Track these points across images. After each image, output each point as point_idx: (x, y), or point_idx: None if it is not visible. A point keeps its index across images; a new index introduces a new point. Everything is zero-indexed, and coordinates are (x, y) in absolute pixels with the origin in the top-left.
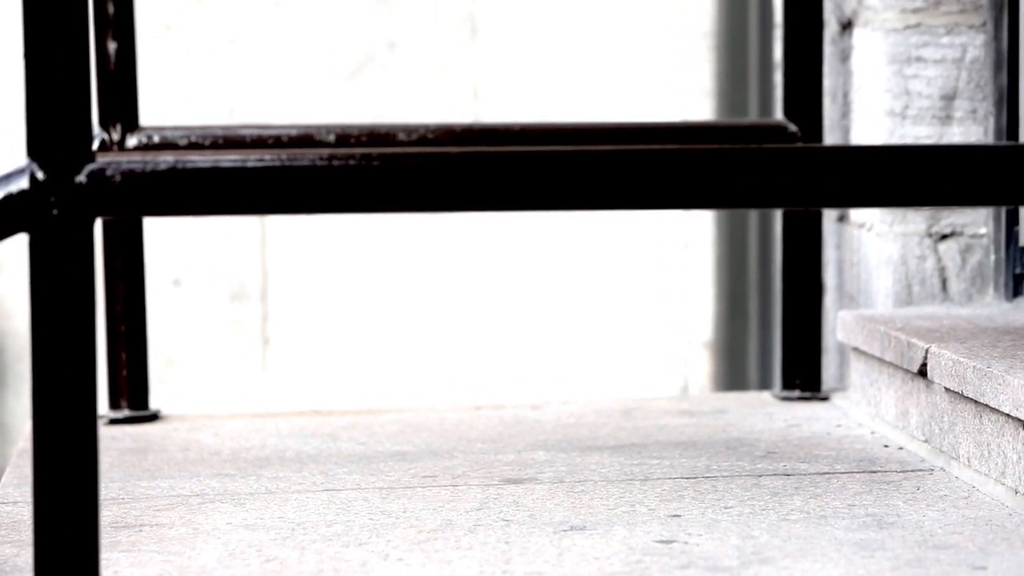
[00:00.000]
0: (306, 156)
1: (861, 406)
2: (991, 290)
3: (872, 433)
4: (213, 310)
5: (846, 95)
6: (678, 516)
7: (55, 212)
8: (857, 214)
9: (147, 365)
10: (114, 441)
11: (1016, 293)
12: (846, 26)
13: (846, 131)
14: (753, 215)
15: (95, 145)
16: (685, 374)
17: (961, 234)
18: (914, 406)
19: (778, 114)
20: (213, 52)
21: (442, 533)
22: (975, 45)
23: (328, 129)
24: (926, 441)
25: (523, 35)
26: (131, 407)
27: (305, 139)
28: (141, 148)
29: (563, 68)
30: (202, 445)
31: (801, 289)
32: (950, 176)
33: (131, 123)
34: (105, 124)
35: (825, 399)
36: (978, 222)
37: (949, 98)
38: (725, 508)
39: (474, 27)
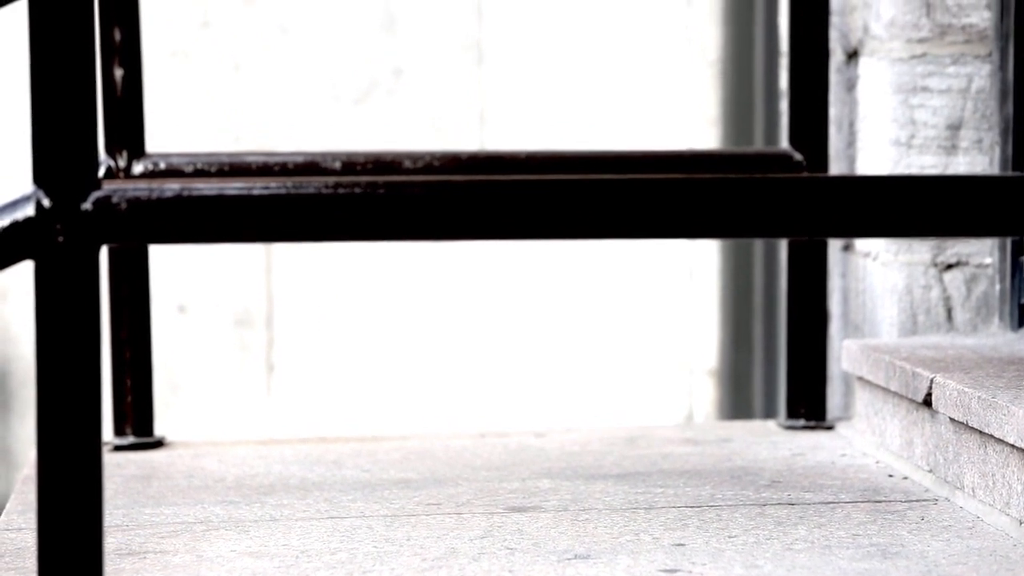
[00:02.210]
0: (311, 184)
1: (866, 435)
2: (996, 320)
3: (877, 463)
4: (218, 336)
5: (852, 124)
6: (682, 545)
7: (61, 239)
8: (862, 243)
9: (152, 391)
10: (119, 467)
11: (1021, 323)
12: (852, 55)
13: (851, 160)
14: (758, 243)
15: (101, 172)
16: (689, 402)
17: (966, 264)
18: (919, 436)
19: (783, 142)
20: (219, 78)
21: (446, 561)
22: (981, 75)
23: (334, 156)
24: (931, 471)
25: (529, 62)
26: (136, 433)
27: (311, 166)
28: (147, 175)
29: (569, 95)
30: (207, 472)
31: (806, 318)
32: (956, 206)
33: (137, 150)
34: (111, 151)
35: (830, 428)
36: (983, 252)
37: (955, 128)
38: (729, 537)
39: (480, 54)
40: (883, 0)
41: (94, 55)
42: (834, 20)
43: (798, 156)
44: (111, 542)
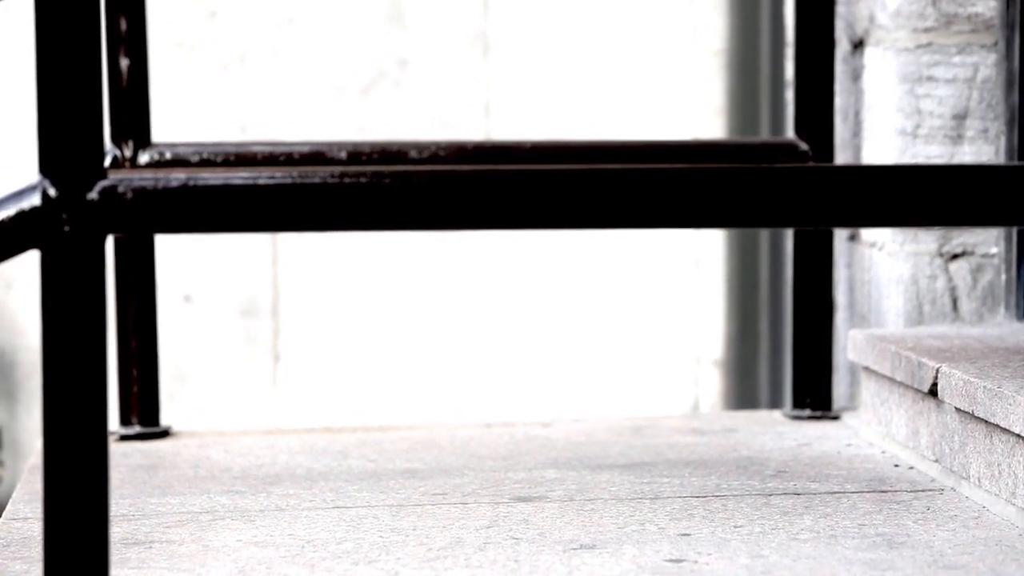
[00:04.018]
0: (317, 173)
1: (872, 425)
2: (1002, 310)
3: (883, 452)
4: (224, 326)
5: (857, 114)
6: (688, 535)
7: (67, 229)
8: (868, 233)
9: (158, 381)
10: (125, 457)
11: None
12: (857, 45)
13: (857, 150)
14: (764, 233)
15: (107, 162)
16: (695, 392)
17: (972, 254)
18: (925, 426)
19: (789, 132)
20: (225, 69)
21: (452, 551)
22: (987, 65)
23: (340, 146)
24: (936, 461)
25: (535, 53)
26: (142, 423)
27: (317, 156)
28: (153, 165)
29: (574, 86)
30: (212, 462)
31: (812, 308)
32: (962, 196)
33: (143, 140)
34: (117, 141)
35: (836, 418)
36: (989, 242)
37: (960, 117)
38: (735, 527)
39: (486, 45)
40: None
41: (100, 45)
42: (840, 10)
43: (804, 146)
44: (117, 532)
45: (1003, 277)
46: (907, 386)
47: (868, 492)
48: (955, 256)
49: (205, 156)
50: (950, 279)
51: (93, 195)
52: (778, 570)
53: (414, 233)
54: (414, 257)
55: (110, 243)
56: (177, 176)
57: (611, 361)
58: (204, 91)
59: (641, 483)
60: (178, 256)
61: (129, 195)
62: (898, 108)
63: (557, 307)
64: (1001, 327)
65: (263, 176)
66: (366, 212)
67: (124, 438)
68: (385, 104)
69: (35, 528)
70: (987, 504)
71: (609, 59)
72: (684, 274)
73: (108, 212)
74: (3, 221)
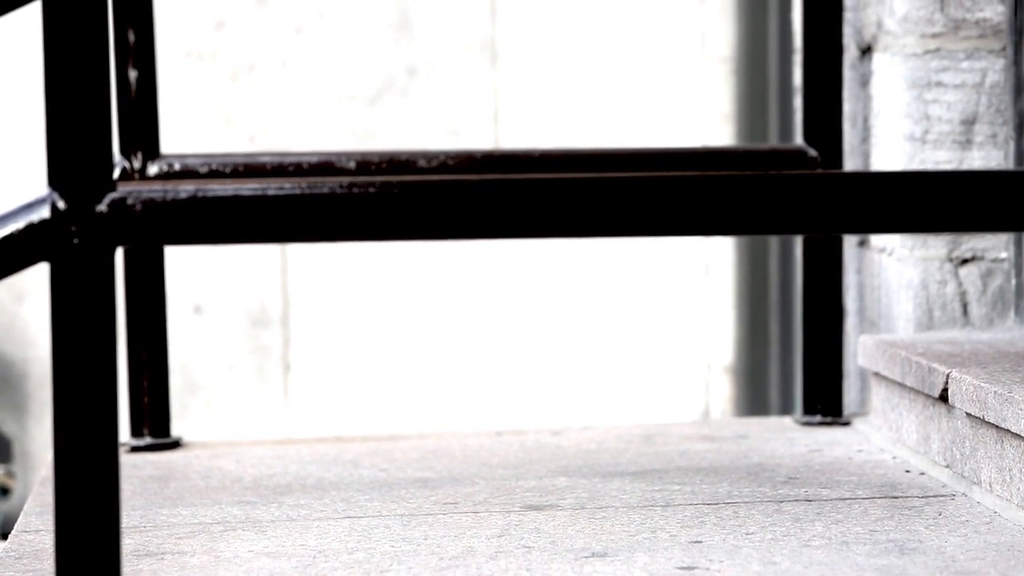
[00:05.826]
0: (326, 184)
1: (882, 431)
2: (1012, 315)
3: (893, 458)
4: (234, 336)
5: (866, 120)
6: (699, 542)
7: (76, 241)
8: (878, 239)
9: (168, 392)
10: (136, 469)
11: None
12: (866, 51)
13: (866, 156)
14: (774, 239)
15: (116, 174)
16: (706, 399)
17: (982, 259)
18: (935, 431)
19: (798, 139)
20: (234, 79)
21: (463, 560)
22: (995, 70)
23: (348, 156)
24: (947, 466)
25: (543, 61)
26: (153, 434)
27: (325, 166)
28: (162, 176)
29: (583, 92)
30: (224, 472)
31: (822, 314)
32: (971, 201)
33: (152, 151)
34: (126, 152)
35: (846, 424)
36: (999, 247)
37: (969, 123)
38: (746, 534)
39: (494, 53)
40: None
41: (108, 57)
42: (847, 16)
43: (813, 152)
44: (128, 543)
45: (1013, 282)
46: (917, 391)
47: (879, 498)
48: (965, 261)
49: (214, 167)
50: (960, 284)
51: (102, 207)
52: None
53: (424, 243)
54: (423, 265)
55: (120, 254)
56: (186, 188)
57: (621, 368)
58: (213, 101)
59: (652, 490)
60: (188, 267)
61: (138, 207)
62: (907, 114)
63: (566, 314)
64: (1011, 332)
65: (272, 187)
66: (375, 222)
67: (135, 449)
68: (394, 112)
69: (47, 540)
70: (998, 509)
71: (617, 66)
72: (694, 280)
73: (117, 224)
74: (13, 234)
